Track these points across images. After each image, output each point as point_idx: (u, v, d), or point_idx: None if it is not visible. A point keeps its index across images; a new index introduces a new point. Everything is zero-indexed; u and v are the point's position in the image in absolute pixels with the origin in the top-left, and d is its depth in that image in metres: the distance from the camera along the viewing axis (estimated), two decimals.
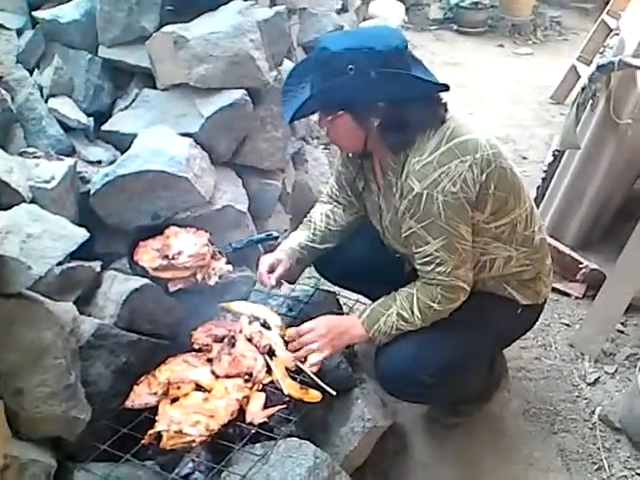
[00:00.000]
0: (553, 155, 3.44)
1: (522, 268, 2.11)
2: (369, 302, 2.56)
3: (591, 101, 3.08)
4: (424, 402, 2.41)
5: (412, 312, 1.99)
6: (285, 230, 3.00)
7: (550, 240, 3.23)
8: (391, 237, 2.16)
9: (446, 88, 1.89)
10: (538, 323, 2.90)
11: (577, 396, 2.62)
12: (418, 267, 1.99)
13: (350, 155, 2.19)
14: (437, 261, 1.93)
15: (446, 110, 1.95)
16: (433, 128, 1.90)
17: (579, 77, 4.97)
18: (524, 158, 4.54)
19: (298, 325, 2.10)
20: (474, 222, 1.95)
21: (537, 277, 2.17)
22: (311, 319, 2.09)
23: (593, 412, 2.55)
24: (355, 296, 2.53)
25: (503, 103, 5.46)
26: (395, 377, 2.08)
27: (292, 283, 2.46)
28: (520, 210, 2.02)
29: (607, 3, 5.01)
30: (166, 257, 2.22)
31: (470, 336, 2.08)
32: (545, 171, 3.51)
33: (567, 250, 3.25)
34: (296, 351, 2.05)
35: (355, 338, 2.08)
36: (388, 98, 1.85)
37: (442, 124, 1.91)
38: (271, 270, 2.25)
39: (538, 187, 3.52)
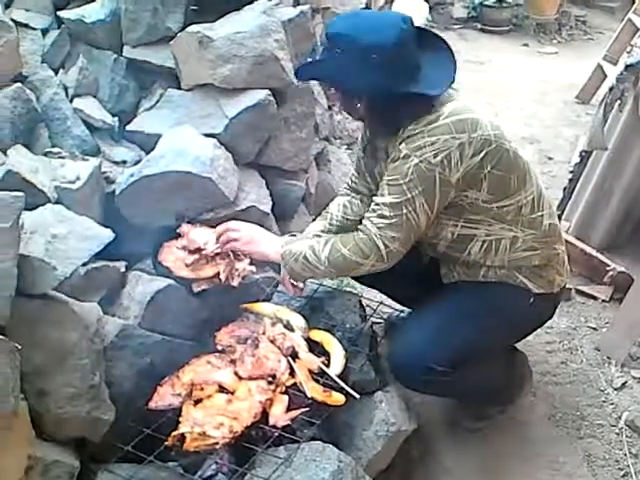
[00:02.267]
0: (580, 156, 3.40)
1: (530, 252, 2.09)
2: (393, 304, 2.57)
3: (619, 101, 3.04)
4: (440, 394, 2.37)
5: (323, 247, 2.01)
6: None
7: (577, 242, 3.20)
8: None
9: (435, 93, 1.94)
10: (564, 326, 2.91)
11: (603, 401, 2.59)
12: (364, 215, 2.02)
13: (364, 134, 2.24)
14: (378, 212, 1.94)
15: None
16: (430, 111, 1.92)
17: (605, 76, 4.91)
18: (549, 158, 4.49)
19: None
20: (471, 201, 1.96)
21: (549, 264, 2.15)
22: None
23: (620, 417, 2.51)
24: (379, 298, 2.51)
25: (528, 102, 5.40)
26: (406, 365, 2.09)
27: None
28: (526, 193, 2.03)
29: (634, 2, 4.95)
30: (198, 250, 2.22)
31: (482, 324, 2.09)
32: (572, 172, 3.46)
33: (594, 252, 3.20)
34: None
35: (268, 250, 2.13)
36: (369, 87, 1.91)
37: (444, 104, 1.93)
38: None
39: (565, 188, 3.48)
